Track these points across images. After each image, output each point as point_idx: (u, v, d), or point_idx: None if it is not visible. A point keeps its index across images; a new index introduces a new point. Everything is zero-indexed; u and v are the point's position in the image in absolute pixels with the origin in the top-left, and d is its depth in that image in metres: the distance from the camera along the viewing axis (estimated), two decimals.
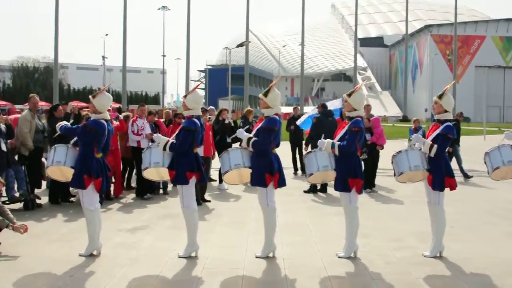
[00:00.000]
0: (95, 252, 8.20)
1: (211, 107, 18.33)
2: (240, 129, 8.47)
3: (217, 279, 7.19)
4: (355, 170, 8.06)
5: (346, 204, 8.25)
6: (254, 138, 8.07)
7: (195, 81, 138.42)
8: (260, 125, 8.21)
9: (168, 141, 8.13)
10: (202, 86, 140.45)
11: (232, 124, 15.37)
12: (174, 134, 8.32)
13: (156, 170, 8.28)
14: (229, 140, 15.02)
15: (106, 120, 8.42)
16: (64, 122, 8.77)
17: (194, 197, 8.39)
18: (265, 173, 7.97)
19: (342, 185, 8.10)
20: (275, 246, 8.30)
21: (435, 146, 8.08)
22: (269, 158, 8.03)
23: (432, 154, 8.10)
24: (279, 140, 8.40)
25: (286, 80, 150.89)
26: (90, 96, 8.52)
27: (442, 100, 8.33)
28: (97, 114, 8.35)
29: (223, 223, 10.92)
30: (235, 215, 11.62)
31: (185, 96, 8.45)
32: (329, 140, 8.16)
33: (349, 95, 8.31)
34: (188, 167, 8.07)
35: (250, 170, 8.11)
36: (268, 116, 8.17)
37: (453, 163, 16.73)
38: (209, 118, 15.73)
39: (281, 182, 8.17)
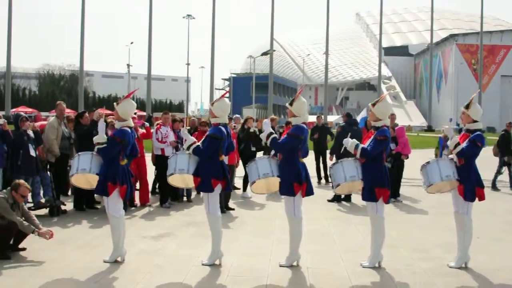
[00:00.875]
0: (119, 259, 8.23)
1: (237, 115, 18.35)
2: (267, 125, 8.38)
3: (241, 286, 7.18)
4: (382, 179, 8.00)
5: (373, 214, 8.20)
6: (275, 135, 8.14)
7: (219, 89, 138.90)
8: (287, 133, 8.21)
9: (195, 142, 8.12)
10: (227, 95, 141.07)
11: (257, 133, 15.35)
12: (200, 141, 8.31)
13: (181, 177, 8.29)
14: (253, 148, 15.01)
15: (130, 127, 8.45)
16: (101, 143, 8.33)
17: (218, 204, 8.40)
18: (293, 182, 7.96)
19: (369, 195, 8.05)
20: (299, 255, 8.27)
21: (460, 146, 8.03)
22: (296, 167, 8.02)
23: (455, 152, 8.05)
24: (307, 149, 8.38)
25: (310, 89, 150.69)
26: (114, 103, 8.57)
27: (469, 110, 8.25)
28: (121, 121, 8.39)
29: (247, 231, 10.91)
30: (259, 224, 11.61)
31: (212, 104, 8.44)
32: (354, 140, 8.13)
33: (374, 104, 8.28)
34: (214, 174, 8.05)
35: (278, 179, 8.10)
36: (295, 125, 8.15)
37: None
38: (234, 126, 15.76)
39: (308, 191, 8.15)
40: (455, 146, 8.06)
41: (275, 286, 7.26)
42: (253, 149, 15.00)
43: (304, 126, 8.17)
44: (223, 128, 8.20)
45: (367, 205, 8.30)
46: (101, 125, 8.33)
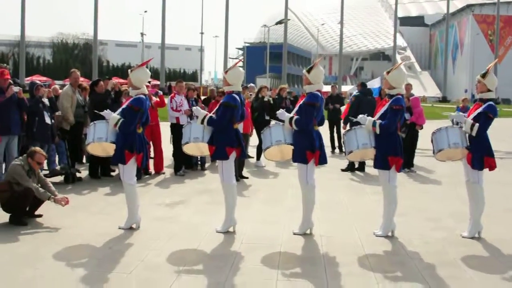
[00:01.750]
0: (134, 226, 8.33)
1: (251, 84, 18.33)
2: (281, 111, 8.40)
3: (255, 253, 7.24)
4: (396, 148, 7.98)
5: (385, 182, 8.20)
6: (296, 117, 8.04)
7: (233, 58, 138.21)
8: (301, 101, 8.20)
9: (207, 115, 8.12)
10: (240, 64, 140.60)
11: (271, 102, 15.35)
12: (214, 110, 8.34)
13: (196, 145, 8.31)
14: (267, 117, 15.00)
15: (145, 95, 8.46)
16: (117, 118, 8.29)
17: (233, 172, 8.44)
18: (306, 150, 7.96)
19: (381, 163, 8.04)
20: (312, 223, 8.32)
21: (477, 124, 7.94)
22: (310, 135, 8.01)
23: (473, 133, 7.96)
24: (323, 117, 8.39)
25: (324, 58, 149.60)
26: (128, 71, 8.59)
27: (486, 79, 8.18)
28: (135, 89, 8.41)
29: (261, 199, 10.96)
30: (272, 192, 11.67)
31: (226, 72, 8.43)
32: (370, 118, 8.06)
33: (388, 72, 8.25)
34: (228, 142, 8.06)
35: (291, 147, 8.11)
36: (310, 93, 8.14)
37: None
38: (251, 95, 15.77)
39: (322, 160, 8.16)
40: (472, 128, 7.98)
41: (289, 254, 7.31)
42: (267, 117, 14.99)
43: (319, 93, 8.16)
44: (236, 96, 8.19)
45: (379, 174, 8.29)
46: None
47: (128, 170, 8.28)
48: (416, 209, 10.09)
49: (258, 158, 15.36)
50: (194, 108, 8.48)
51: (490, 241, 8.03)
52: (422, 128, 14.95)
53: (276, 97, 17.32)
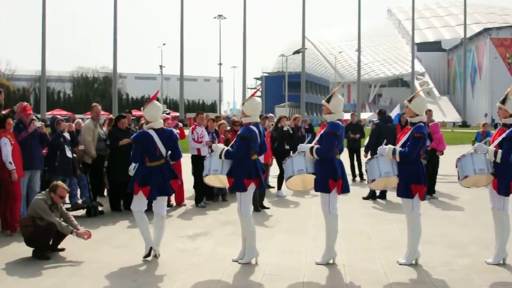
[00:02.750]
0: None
1: (270, 114, 18.39)
2: (302, 144, 8.43)
3: (278, 284, 7.21)
4: (419, 176, 7.95)
5: (409, 210, 8.14)
6: (317, 146, 8.07)
7: (251, 88, 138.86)
8: (322, 131, 8.22)
9: (224, 148, 8.14)
10: (259, 93, 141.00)
11: (291, 131, 15.37)
12: (232, 142, 8.40)
13: (216, 177, 8.34)
14: (287, 147, 15.01)
15: (158, 129, 8.58)
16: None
17: (251, 203, 8.43)
18: (329, 179, 7.97)
19: (404, 191, 8.00)
20: (335, 253, 8.26)
21: (500, 151, 7.89)
22: (332, 164, 8.03)
23: (498, 160, 7.90)
24: (342, 145, 8.38)
25: (342, 86, 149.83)
26: (142, 108, 8.79)
27: (506, 105, 8.12)
28: (148, 124, 8.66)
29: (283, 229, 10.93)
30: (294, 222, 11.62)
31: (243, 103, 8.51)
32: (390, 146, 8.06)
33: (410, 100, 8.22)
34: (246, 174, 8.07)
35: (313, 176, 8.11)
36: (331, 122, 8.18)
37: None
38: (272, 124, 15.83)
39: (344, 188, 8.15)
40: (495, 156, 7.92)
41: (312, 284, 7.27)
42: (287, 147, 14.99)
43: (340, 123, 8.20)
44: (253, 127, 8.20)
45: (403, 202, 8.24)
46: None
47: (135, 200, 8.68)
48: (439, 236, 10.00)
49: (279, 188, 15.34)
50: (213, 145, 8.59)
51: None
52: (442, 154, 14.88)
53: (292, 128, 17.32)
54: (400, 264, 8.07)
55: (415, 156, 7.96)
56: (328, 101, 8.28)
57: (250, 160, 8.17)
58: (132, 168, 9.33)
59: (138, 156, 8.50)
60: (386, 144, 8.23)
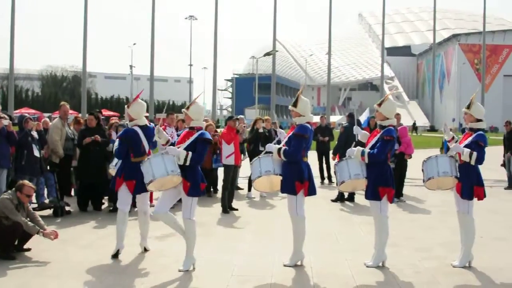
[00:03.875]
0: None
1: (241, 116, 18.40)
2: (269, 144, 8.49)
3: (244, 286, 7.22)
4: (387, 178, 8.03)
5: (377, 213, 8.21)
6: (284, 147, 8.10)
7: (222, 90, 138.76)
8: (291, 133, 8.25)
9: (188, 153, 7.81)
10: (229, 95, 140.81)
11: (266, 134, 15.37)
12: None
13: (163, 180, 7.86)
14: (262, 148, 14.98)
15: (142, 126, 8.80)
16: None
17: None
18: (295, 180, 7.99)
19: (372, 194, 8.08)
20: (303, 255, 8.29)
21: (474, 153, 7.98)
22: (299, 166, 8.05)
23: (472, 162, 7.99)
24: (309, 148, 8.41)
25: (312, 89, 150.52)
26: (125, 106, 8.99)
27: (471, 110, 8.29)
28: (133, 121, 8.82)
29: (251, 231, 10.94)
30: (262, 223, 11.64)
31: (187, 108, 8.33)
32: (359, 148, 8.15)
33: (380, 104, 8.28)
34: (201, 179, 8.03)
35: (280, 178, 8.12)
36: (300, 124, 8.22)
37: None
38: (245, 126, 15.82)
39: (311, 191, 8.18)
40: (470, 157, 7.98)
41: (279, 286, 7.29)
42: (262, 149, 14.97)
43: (308, 125, 8.25)
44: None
45: (371, 204, 8.30)
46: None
47: (121, 195, 8.69)
48: (406, 239, 10.09)
49: (250, 189, 15.35)
50: (168, 148, 8.02)
51: (481, 269, 8.03)
52: (410, 157, 15.00)
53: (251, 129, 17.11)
54: (367, 267, 8.13)
55: (383, 159, 8.03)
56: (295, 105, 8.34)
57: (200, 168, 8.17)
58: (114, 165, 9.46)
59: (123, 153, 8.67)
60: (355, 146, 8.30)
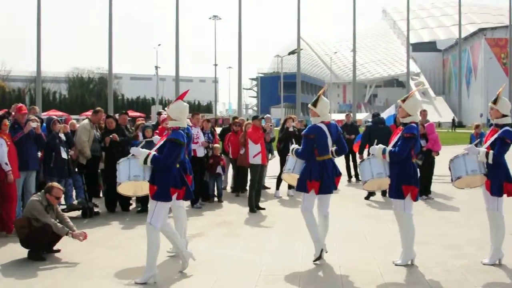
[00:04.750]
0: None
1: (268, 115, 18.41)
2: (293, 145, 8.95)
3: (273, 285, 7.21)
4: (409, 176, 7.96)
5: (400, 211, 8.15)
6: (297, 147, 8.60)
7: (247, 89, 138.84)
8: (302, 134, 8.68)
9: (149, 153, 7.41)
10: (254, 94, 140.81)
11: (297, 132, 15.34)
12: (156, 146, 7.72)
13: (132, 184, 7.60)
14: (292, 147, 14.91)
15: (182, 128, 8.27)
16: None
17: (165, 217, 7.68)
18: (306, 179, 8.21)
19: (395, 192, 8.02)
20: (324, 244, 8.43)
21: (491, 152, 7.92)
22: (309, 166, 8.29)
23: (490, 161, 7.92)
24: (344, 146, 8.64)
25: (338, 87, 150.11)
26: (165, 108, 8.89)
27: (498, 105, 8.17)
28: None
29: (278, 230, 10.93)
30: (289, 222, 11.60)
31: (168, 106, 7.98)
32: (380, 146, 8.10)
33: (404, 100, 8.19)
34: (173, 183, 7.46)
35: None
36: (309, 125, 8.56)
37: None
38: (271, 125, 15.84)
39: (322, 189, 8.28)
40: (487, 157, 7.95)
41: (308, 284, 7.27)
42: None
43: (319, 125, 8.37)
44: (182, 132, 7.61)
45: (394, 203, 8.25)
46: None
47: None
48: (435, 236, 10.01)
49: (277, 188, 15.34)
50: (132, 149, 7.63)
51: (511, 267, 7.93)
52: (438, 154, 14.88)
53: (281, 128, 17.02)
54: (396, 265, 8.08)
55: (405, 157, 7.96)
56: (314, 105, 8.44)
57: (175, 168, 7.57)
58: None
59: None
60: (377, 144, 8.25)
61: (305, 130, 8.52)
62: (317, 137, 8.26)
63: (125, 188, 7.65)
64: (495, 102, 8.21)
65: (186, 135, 7.75)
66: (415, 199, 8.09)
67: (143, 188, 7.63)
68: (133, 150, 7.54)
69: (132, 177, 7.41)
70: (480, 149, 8.05)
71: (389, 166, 8.07)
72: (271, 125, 15.15)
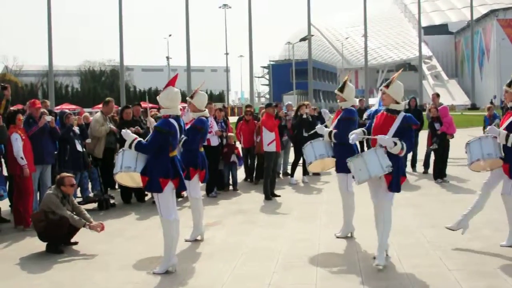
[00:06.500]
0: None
1: (289, 102, 18.48)
2: (320, 125, 9.24)
3: (291, 272, 7.22)
4: (403, 167, 7.83)
5: (387, 203, 7.59)
6: (335, 131, 8.68)
7: (259, 77, 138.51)
8: (339, 116, 8.87)
9: (135, 138, 7.31)
10: (266, 82, 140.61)
11: (310, 119, 15.32)
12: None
13: (128, 175, 7.54)
14: (305, 134, 14.89)
15: (206, 117, 9.29)
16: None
17: (173, 205, 7.56)
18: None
19: (397, 186, 7.45)
20: (353, 227, 8.90)
21: (504, 133, 7.81)
22: (350, 147, 8.50)
23: (509, 144, 7.75)
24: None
25: (350, 72, 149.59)
26: (187, 98, 9.26)
27: None
28: (197, 112, 9.11)
29: (294, 217, 10.93)
30: (305, 209, 11.61)
31: (158, 95, 7.70)
32: (396, 141, 7.25)
33: (387, 86, 7.63)
34: (162, 173, 7.28)
35: (333, 160, 8.82)
36: (346, 108, 8.85)
37: None
38: (286, 113, 15.94)
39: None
40: (507, 140, 7.78)
41: (325, 271, 7.26)
42: (305, 134, 14.89)
43: (354, 108, 8.88)
44: (173, 121, 7.39)
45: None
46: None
47: (193, 185, 9.11)
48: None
49: (292, 175, 15.34)
50: (123, 131, 7.56)
51: None
52: (453, 137, 14.82)
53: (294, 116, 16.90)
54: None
55: (412, 147, 7.82)
56: (341, 90, 8.87)
57: (167, 157, 7.36)
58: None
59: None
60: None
61: (345, 113, 8.84)
62: (356, 119, 8.84)
63: (121, 178, 7.69)
64: (510, 85, 8.02)
65: (178, 125, 7.45)
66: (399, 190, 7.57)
67: (130, 180, 7.70)
68: (123, 132, 7.47)
69: (124, 168, 7.35)
70: (500, 131, 7.88)
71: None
72: (285, 113, 15.27)
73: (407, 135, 7.37)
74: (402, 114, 7.46)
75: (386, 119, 7.53)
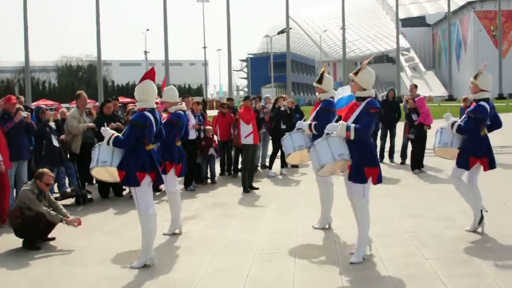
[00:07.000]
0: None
1: (267, 95, 18.45)
2: (300, 121, 9.17)
3: (269, 264, 7.24)
4: (373, 157, 7.31)
5: (359, 197, 7.37)
6: (314, 122, 8.65)
7: (237, 71, 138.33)
8: (318, 108, 8.94)
9: (113, 135, 7.27)
10: (245, 75, 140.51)
11: (288, 111, 15.35)
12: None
13: (105, 169, 7.49)
14: (283, 126, 14.89)
15: (183, 111, 9.45)
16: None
17: (150, 199, 7.53)
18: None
19: (357, 176, 7.18)
20: (331, 218, 8.94)
21: (457, 123, 8.27)
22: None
23: (454, 131, 8.28)
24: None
25: (328, 65, 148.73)
26: (157, 99, 8.61)
27: (477, 80, 8.39)
28: (171, 106, 9.33)
29: (272, 209, 10.94)
30: (283, 201, 11.63)
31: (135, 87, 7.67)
32: (342, 123, 7.17)
33: (356, 73, 7.42)
34: (139, 167, 7.24)
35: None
36: (324, 99, 8.92)
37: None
38: (263, 106, 15.93)
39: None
40: (452, 125, 8.31)
41: (303, 262, 7.29)
42: (283, 127, 14.89)
43: (332, 100, 8.83)
44: (148, 114, 7.34)
45: (352, 188, 7.38)
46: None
47: (169, 179, 9.03)
48: (428, 209, 10.06)
49: (270, 167, 15.36)
50: (102, 129, 7.47)
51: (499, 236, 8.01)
52: (430, 128, 14.92)
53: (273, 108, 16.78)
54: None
55: (369, 133, 7.28)
56: (319, 82, 8.97)
57: (144, 151, 7.32)
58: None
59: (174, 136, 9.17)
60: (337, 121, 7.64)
61: (324, 104, 8.95)
62: (335, 111, 8.57)
63: (98, 173, 7.67)
64: (475, 77, 8.45)
65: (154, 118, 7.39)
66: (376, 183, 7.39)
67: (107, 174, 7.64)
68: (102, 130, 7.40)
69: (100, 162, 7.32)
70: (452, 119, 8.43)
71: (350, 147, 7.18)
72: (262, 106, 15.25)
73: (363, 118, 7.11)
74: (367, 100, 7.23)
75: (352, 106, 7.44)
